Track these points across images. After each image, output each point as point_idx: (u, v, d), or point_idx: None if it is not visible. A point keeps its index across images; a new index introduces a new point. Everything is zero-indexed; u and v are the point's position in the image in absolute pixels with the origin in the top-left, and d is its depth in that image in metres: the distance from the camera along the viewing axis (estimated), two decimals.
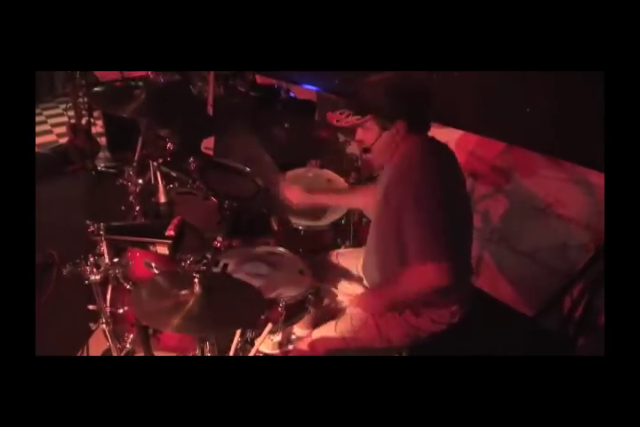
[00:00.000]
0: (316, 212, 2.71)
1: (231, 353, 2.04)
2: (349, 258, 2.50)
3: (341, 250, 2.64)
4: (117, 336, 2.24)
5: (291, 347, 2.22)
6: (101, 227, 1.94)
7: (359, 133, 2.00)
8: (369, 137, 1.97)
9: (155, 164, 2.57)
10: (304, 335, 2.22)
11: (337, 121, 1.98)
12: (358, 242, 2.91)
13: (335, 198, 2.63)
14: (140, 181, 2.63)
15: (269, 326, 2.00)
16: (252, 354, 2.06)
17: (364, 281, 2.31)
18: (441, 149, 2.03)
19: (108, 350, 2.29)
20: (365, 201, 2.37)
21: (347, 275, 2.41)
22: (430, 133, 2.01)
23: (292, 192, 2.55)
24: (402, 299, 2.00)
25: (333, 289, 2.33)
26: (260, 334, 2.04)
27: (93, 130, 4.75)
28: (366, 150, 2.02)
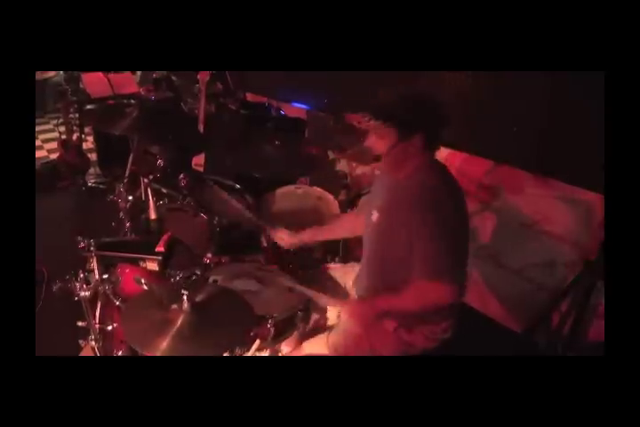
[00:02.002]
0: (303, 228, 2.70)
1: None
2: (339, 274, 2.51)
3: (331, 265, 2.65)
4: (106, 353, 2.22)
5: None
6: (92, 243, 1.95)
7: (370, 140, 1.96)
8: (381, 145, 1.93)
9: (145, 180, 2.58)
10: (290, 351, 2.21)
11: (358, 122, 1.97)
12: (347, 258, 2.92)
13: (322, 233, 2.56)
14: (131, 197, 2.63)
15: (257, 342, 2.00)
16: None
17: (354, 294, 2.31)
18: (445, 169, 2.05)
19: None
20: (352, 228, 2.39)
21: (336, 291, 2.41)
22: None
23: (280, 237, 2.52)
24: (399, 311, 2.00)
25: (322, 304, 2.32)
26: (248, 351, 2.04)
27: (84, 146, 4.77)
28: (377, 158, 1.98)
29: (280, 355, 2.21)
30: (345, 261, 2.89)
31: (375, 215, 2.06)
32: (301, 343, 2.19)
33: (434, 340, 2.07)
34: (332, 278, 2.50)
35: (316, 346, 2.14)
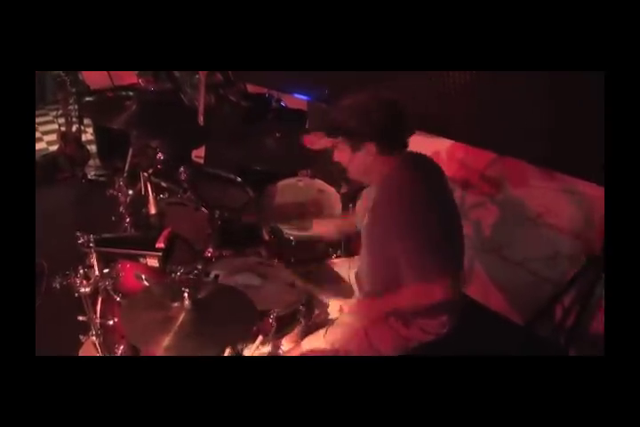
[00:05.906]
0: (304, 222, 2.69)
1: None
2: (341, 268, 2.49)
3: (333, 260, 2.64)
4: (107, 348, 2.21)
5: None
6: (91, 239, 1.93)
7: (335, 155, 2.01)
8: (344, 158, 1.98)
9: (145, 174, 2.56)
10: (291, 347, 2.21)
11: (311, 143, 1.99)
12: (350, 252, 2.90)
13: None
14: (131, 191, 2.61)
15: (260, 338, 1.99)
16: None
17: (356, 291, 2.30)
18: (422, 163, 2.03)
19: None
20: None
21: (338, 285, 2.40)
22: (415, 145, 2.00)
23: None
24: (400, 309, 2.00)
25: (325, 299, 2.32)
26: (250, 346, 2.03)
27: (84, 137, 4.75)
28: (344, 171, 2.04)
29: (280, 352, 2.21)
30: (348, 254, 2.87)
31: (366, 217, 2.06)
32: (301, 340, 2.19)
33: (432, 333, 2.06)
34: (335, 272, 2.49)
35: (315, 342, 2.13)
